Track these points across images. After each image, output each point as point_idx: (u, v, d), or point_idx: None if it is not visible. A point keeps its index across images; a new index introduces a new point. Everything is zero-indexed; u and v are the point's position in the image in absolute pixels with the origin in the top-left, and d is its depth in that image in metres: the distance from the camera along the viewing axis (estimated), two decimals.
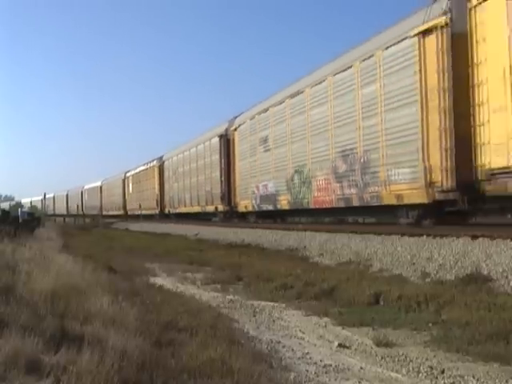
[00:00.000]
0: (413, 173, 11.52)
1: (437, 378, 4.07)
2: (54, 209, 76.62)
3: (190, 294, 7.96)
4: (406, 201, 11.85)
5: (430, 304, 6.26)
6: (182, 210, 30.06)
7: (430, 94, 10.93)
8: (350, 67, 13.92)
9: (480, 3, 9.71)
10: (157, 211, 34.24)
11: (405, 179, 11.83)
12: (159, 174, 34.52)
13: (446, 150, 10.46)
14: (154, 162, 35.94)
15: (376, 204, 13.03)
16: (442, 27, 10.65)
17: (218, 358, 4.03)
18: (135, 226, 33.68)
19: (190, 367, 3.85)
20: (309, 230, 15.25)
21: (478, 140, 9.82)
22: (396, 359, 4.59)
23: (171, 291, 8.19)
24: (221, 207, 24.19)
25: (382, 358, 4.66)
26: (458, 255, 8.52)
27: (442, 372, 4.16)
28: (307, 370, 4.31)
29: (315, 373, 4.26)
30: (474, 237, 9.20)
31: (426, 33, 11.06)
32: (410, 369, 4.31)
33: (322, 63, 16.20)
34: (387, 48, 12.48)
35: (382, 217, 14.56)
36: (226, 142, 23.66)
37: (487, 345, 4.66)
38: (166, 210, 33.51)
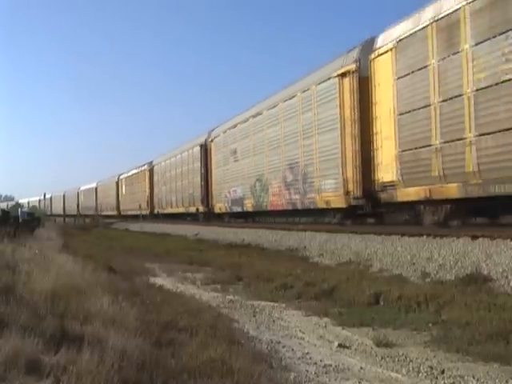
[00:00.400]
0: (336, 183, 14.55)
1: (437, 378, 4.07)
2: (51, 209, 76.91)
3: (190, 294, 7.95)
4: (333, 205, 14.93)
5: (430, 304, 6.26)
6: (169, 210, 32.96)
7: (346, 123, 13.96)
8: (294, 96, 17.17)
9: (377, 56, 12.85)
10: (147, 212, 37.14)
11: (331, 188, 14.85)
12: (149, 178, 37.39)
13: (356, 167, 13.52)
14: (145, 166, 38.85)
15: (313, 207, 16.24)
16: (353, 72, 13.67)
17: (218, 358, 4.03)
18: (135, 226, 33.67)
19: (190, 367, 3.85)
20: (309, 230, 15.25)
21: (375, 160, 12.96)
22: (396, 359, 4.59)
23: (171, 291, 8.19)
24: (201, 208, 27.12)
25: (382, 358, 4.66)
26: (458, 255, 8.52)
27: (442, 372, 4.16)
28: (307, 370, 4.31)
29: (315, 373, 4.26)
30: (474, 237, 9.20)
31: (343, 75, 14.12)
32: (410, 369, 4.31)
33: (275, 90, 19.74)
34: (319, 84, 15.55)
35: (317, 218, 17.82)
36: (205, 151, 26.63)
37: (487, 345, 4.65)
38: (155, 211, 36.31)
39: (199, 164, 27.15)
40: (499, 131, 9.13)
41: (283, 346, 5.06)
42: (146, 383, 3.48)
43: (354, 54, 13.90)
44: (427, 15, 11.14)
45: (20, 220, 20.01)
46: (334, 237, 13.03)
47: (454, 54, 10.18)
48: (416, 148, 11.44)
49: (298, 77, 17.81)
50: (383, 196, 12.68)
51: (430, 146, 10.99)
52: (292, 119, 17.25)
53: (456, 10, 10.10)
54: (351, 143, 13.62)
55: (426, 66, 11.09)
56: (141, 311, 5.76)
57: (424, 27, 11.11)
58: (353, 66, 13.68)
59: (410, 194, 11.71)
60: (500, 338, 4.74)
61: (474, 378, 4.01)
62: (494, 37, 9.21)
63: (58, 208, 73.45)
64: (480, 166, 9.61)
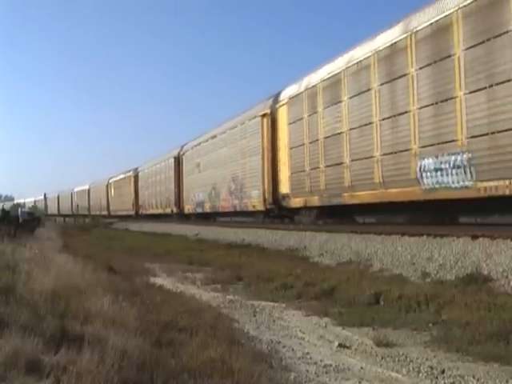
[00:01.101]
0: (259, 193, 19.98)
1: (437, 378, 4.07)
2: (46, 209, 77.58)
3: (190, 294, 7.95)
4: (257, 208, 20.46)
5: (430, 304, 6.25)
6: (150, 211, 38.05)
7: (264, 151, 19.57)
8: (236, 127, 22.88)
9: (279, 107, 18.65)
10: (133, 212, 41.94)
11: (256, 196, 20.32)
12: (134, 183, 42.10)
13: (269, 182, 19.17)
14: (131, 172, 43.71)
15: (245, 210, 21.86)
16: (268, 115, 19.41)
17: (218, 358, 4.03)
18: (135, 226, 33.72)
19: (190, 367, 3.85)
20: (309, 230, 15.25)
21: (278, 178, 18.68)
22: (396, 359, 4.59)
23: (171, 291, 8.19)
24: (174, 210, 32.52)
25: (382, 358, 4.65)
26: (458, 255, 8.52)
27: (442, 372, 4.16)
28: (307, 370, 4.31)
29: (315, 373, 4.25)
30: (474, 237, 9.19)
31: (263, 116, 19.77)
32: (411, 369, 4.31)
33: (228, 118, 25.29)
34: (250, 120, 21.15)
35: (249, 217, 22.96)
36: (178, 163, 32.28)
37: (487, 345, 4.65)
38: (140, 212, 41.05)
39: (173, 173, 32.74)
40: (332, 165, 14.87)
41: (283, 346, 5.06)
42: (146, 383, 3.48)
43: (270, 102, 19.73)
44: (303, 84, 16.85)
45: (20, 220, 20.00)
46: (334, 237, 13.02)
47: (314, 113, 15.85)
48: (298, 172, 16.91)
49: (240, 111, 23.65)
50: (283, 203, 18.40)
51: (304, 171, 16.48)
52: (234, 144, 22.84)
53: (314, 85, 15.87)
54: (267, 165, 19.41)
55: (301, 119, 16.75)
56: (141, 311, 5.76)
57: (300, 92, 16.96)
58: (268, 111, 19.47)
59: (296, 202, 17.33)
60: (500, 338, 4.74)
61: (474, 377, 4.01)
62: (327, 107, 15.08)
63: (52, 208, 75.77)
64: (326, 186, 15.21)
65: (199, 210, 27.91)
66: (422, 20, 11.23)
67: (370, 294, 6.98)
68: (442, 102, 10.58)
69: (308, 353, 4.84)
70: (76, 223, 42.45)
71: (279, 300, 7.44)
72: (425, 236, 10.36)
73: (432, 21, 10.88)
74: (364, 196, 13.45)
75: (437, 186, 10.86)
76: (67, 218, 53.00)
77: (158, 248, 16.71)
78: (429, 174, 11.08)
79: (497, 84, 9.21)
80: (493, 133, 9.36)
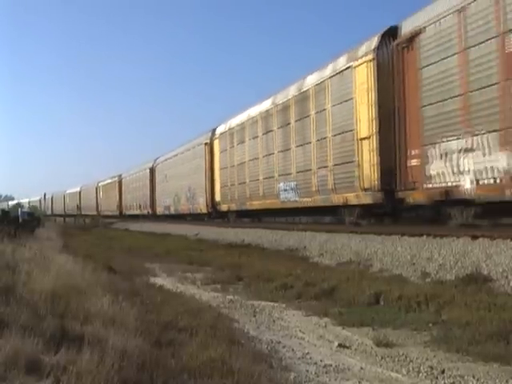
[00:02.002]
0: (203, 200, 27.11)
1: (437, 378, 4.07)
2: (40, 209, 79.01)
3: (190, 294, 7.95)
4: (203, 211, 27.45)
5: (430, 304, 6.25)
6: (131, 212, 44.25)
7: (207, 170, 26.41)
8: (189, 150, 30.02)
9: (214, 139, 25.67)
10: (117, 213, 47.76)
11: (203, 202, 27.30)
12: (119, 187, 48.27)
13: (209, 192, 26.25)
14: (116, 178, 49.73)
15: (197, 212, 28.66)
16: (208, 144, 26.50)
17: (218, 358, 4.03)
18: (135, 226, 33.75)
19: (190, 367, 3.85)
20: (309, 230, 15.25)
21: (214, 190, 25.70)
22: (396, 359, 4.59)
23: (171, 291, 8.19)
24: (150, 211, 39.06)
25: (382, 358, 4.65)
26: (458, 255, 8.52)
27: (442, 372, 4.16)
28: (307, 370, 4.31)
29: (315, 373, 4.25)
30: (474, 237, 9.19)
31: (206, 144, 26.85)
32: (410, 369, 4.31)
33: (185, 141, 32.48)
34: (198, 145, 28.20)
35: (197, 218, 29.14)
36: (152, 173, 38.68)
37: (487, 345, 4.65)
38: (123, 213, 46.72)
39: (148, 181, 39.16)
40: (240, 183, 22.21)
41: (283, 346, 5.06)
42: (146, 383, 3.48)
43: (209, 134, 26.76)
44: (227, 126, 24.13)
45: (20, 220, 20.01)
46: (334, 237, 13.02)
47: (232, 147, 23.04)
48: (224, 186, 24.21)
49: (193, 136, 30.63)
50: (217, 208, 25.47)
51: (227, 186, 23.74)
52: (189, 162, 29.79)
53: (232, 128, 23.31)
54: (207, 180, 26.53)
55: (226, 149, 24.03)
56: (141, 311, 5.75)
57: (225, 131, 24.37)
58: (208, 141, 26.64)
59: (224, 207, 24.49)
60: (500, 338, 4.74)
61: (474, 377, 4.01)
62: (238, 144, 22.46)
63: (47, 208, 79.26)
64: (238, 196, 22.21)
65: (166, 212, 35.09)
66: (279, 98, 18.86)
67: (369, 294, 6.97)
68: (286, 150, 17.98)
69: (308, 353, 4.84)
70: (76, 223, 43.09)
71: (279, 300, 7.44)
72: (425, 236, 10.36)
73: (282, 100, 18.43)
74: (255, 204, 20.77)
75: (285, 199, 18.03)
76: (67, 218, 55.86)
77: (157, 248, 16.72)
78: (281, 192, 18.29)
79: (306, 143, 16.53)
80: (304, 171, 16.64)
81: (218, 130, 25.43)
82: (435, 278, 7.97)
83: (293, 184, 17.32)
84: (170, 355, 4.15)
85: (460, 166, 10.20)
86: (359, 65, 13.52)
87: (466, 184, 10.04)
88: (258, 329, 5.82)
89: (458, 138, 10.21)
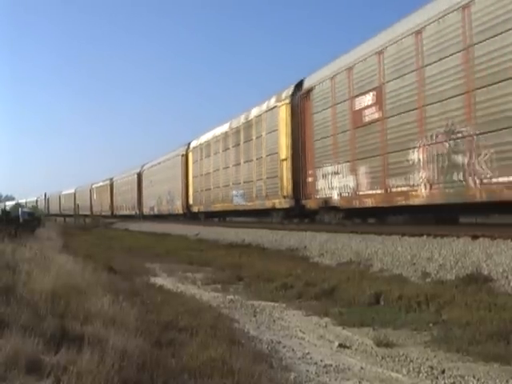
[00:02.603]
0: (181, 202, 31.72)
1: (437, 378, 4.07)
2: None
3: (190, 294, 7.95)
4: (179, 212, 32.14)
5: (431, 304, 6.25)
6: (122, 212, 48.12)
7: (182, 177, 31.54)
8: (169, 160, 34.78)
9: (189, 152, 31.30)
10: (109, 213, 51.62)
11: (179, 204, 32.09)
12: (110, 190, 52.45)
13: (184, 196, 31.25)
14: (108, 181, 53.82)
15: (175, 213, 33.12)
16: (183, 155, 31.73)
17: (219, 358, 4.03)
18: (135, 226, 33.76)
19: (191, 367, 3.84)
20: (309, 230, 15.26)
21: (188, 194, 30.89)
22: (396, 359, 4.58)
23: (171, 291, 8.19)
24: (138, 211, 42.99)
25: (382, 358, 4.65)
26: (458, 255, 8.51)
27: (443, 372, 4.16)
28: (308, 370, 4.31)
29: (316, 373, 4.25)
30: (475, 237, 9.19)
31: (183, 155, 31.87)
32: (411, 369, 4.31)
33: (159, 155, 38.90)
34: (177, 156, 32.95)
35: (174, 218, 33.47)
36: (139, 178, 43.10)
37: (488, 345, 4.65)
38: (114, 213, 50.73)
39: (136, 185, 43.57)
40: (207, 189, 27.62)
41: (284, 346, 5.06)
42: (146, 383, 3.48)
43: (185, 147, 31.84)
44: (198, 142, 29.48)
45: (20, 220, 20.02)
46: (335, 237, 13.02)
47: (201, 159, 28.70)
48: (195, 191, 29.47)
49: (174, 147, 35.18)
50: (190, 209, 30.54)
51: (197, 191, 29.06)
52: (169, 170, 34.49)
53: (202, 143, 28.85)
54: (183, 186, 31.48)
55: (197, 161, 29.39)
56: (141, 311, 5.75)
57: (196, 146, 29.84)
58: (184, 153, 31.70)
59: (195, 208, 29.51)
60: (500, 337, 4.73)
61: (474, 377, 4.01)
62: (206, 157, 28.08)
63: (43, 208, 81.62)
64: (205, 200, 27.89)
65: (151, 213, 39.69)
66: (234, 123, 24.02)
67: (370, 294, 6.97)
68: (237, 165, 23.04)
69: (308, 353, 4.84)
70: (76, 223, 43.41)
71: (279, 300, 7.44)
72: (425, 236, 10.37)
73: (236, 125, 23.61)
74: (217, 206, 25.85)
75: (237, 203, 22.98)
76: (67, 218, 56.28)
77: (158, 248, 16.71)
78: (234, 197, 23.26)
79: (250, 160, 21.63)
80: (248, 181, 21.75)
81: (192, 144, 31.01)
82: (435, 277, 7.97)
83: (241, 191, 22.71)
84: (171, 355, 4.15)
85: (332, 183, 15.30)
86: (281, 105, 18.83)
87: (335, 196, 15.16)
88: (258, 329, 5.82)
89: (331, 165, 15.36)
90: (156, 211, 38.06)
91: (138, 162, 47.16)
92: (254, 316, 6.51)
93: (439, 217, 13.10)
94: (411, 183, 11.73)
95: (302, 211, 17.66)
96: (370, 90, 13.26)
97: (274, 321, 6.24)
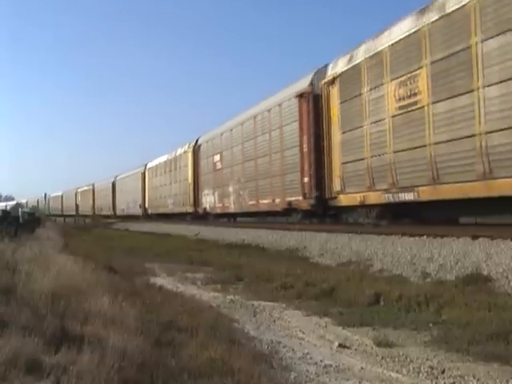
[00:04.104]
0: (138, 206, 42.05)
1: (437, 378, 4.06)
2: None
3: (190, 294, 7.95)
4: (140, 213, 41.72)
5: (431, 304, 6.25)
6: (101, 213, 54.46)
7: (142, 189, 41.61)
8: (134, 174, 44.20)
9: (146, 170, 41.44)
10: (91, 213, 58.30)
11: (139, 208, 41.88)
12: (93, 194, 60.51)
13: (143, 202, 41.74)
14: (90, 186, 61.91)
15: (137, 214, 42.24)
16: (142, 173, 41.78)
17: (219, 358, 4.03)
18: (135, 226, 33.77)
19: (191, 367, 3.84)
20: (309, 230, 15.25)
21: (145, 201, 41.97)
22: (396, 359, 4.58)
23: (171, 291, 8.18)
24: (112, 212, 51.08)
25: (382, 358, 4.65)
26: (458, 255, 8.52)
27: (443, 372, 4.16)
28: (307, 370, 4.31)
29: (316, 373, 4.25)
30: (475, 237, 9.20)
31: (142, 173, 41.77)
32: (411, 369, 4.31)
33: (133, 167, 46.76)
34: (137, 173, 42.97)
35: (137, 217, 41.27)
36: (113, 185, 51.29)
37: (488, 345, 4.65)
38: (95, 213, 57.17)
39: (111, 192, 52.01)
40: (160, 197, 38.09)
41: (283, 346, 5.06)
42: (146, 383, 3.48)
43: (144, 167, 41.71)
44: (154, 162, 40.03)
45: (20, 220, 20.02)
46: (335, 237, 13.02)
47: (156, 176, 39.08)
48: (151, 199, 39.91)
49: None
50: (147, 211, 40.72)
51: (154, 199, 38.90)
52: (134, 183, 43.63)
53: (156, 165, 39.27)
54: (143, 195, 41.33)
55: (151, 178, 40.08)
56: (141, 311, 5.75)
57: (150, 167, 40.71)
58: (143, 171, 41.74)
59: (149, 210, 40.29)
60: (500, 337, 4.73)
61: (474, 377, 4.01)
62: (162, 174, 37.97)
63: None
64: (158, 205, 39.02)
65: (122, 213, 47.55)
66: (169, 157, 35.49)
67: (370, 294, 6.96)
68: (170, 184, 34.88)
69: (308, 353, 4.84)
70: (76, 223, 43.92)
71: (279, 300, 7.44)
72: (425, 236, 10.37)
73: (169, 158, 35.28)
74: (160, 209, 36.71)
75: (170, 208, 34.29)
76: (67, 219, 59.34)
77: (158, 248, 16.71)
78: (170, 204, 34.48)
79: (175, 182, 33.94)
80: (175, 195, 33.89)
81: (148, 166, 41.13)
82: (435, 278, 7.97)
83: (172, 201, 34.59)
84: (170, 355, 4.15)
85: (207, 199, 28.45)
86: (188, 152, 31.74)
87: (210, 206, 27.68)
88: (258, 329, 5.82)
89: (208, 190, 28.45)
90: (125, 212, 47.15)
91: (135, 163, 52.57)
92: (254, 316, 6.51)
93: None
94: (228, 202, 24.85)
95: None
96: (219, 152, 26.27)
97: (274, 321, 6.24)
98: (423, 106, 11.48)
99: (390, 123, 12.64)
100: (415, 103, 11.74)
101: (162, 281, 9.53)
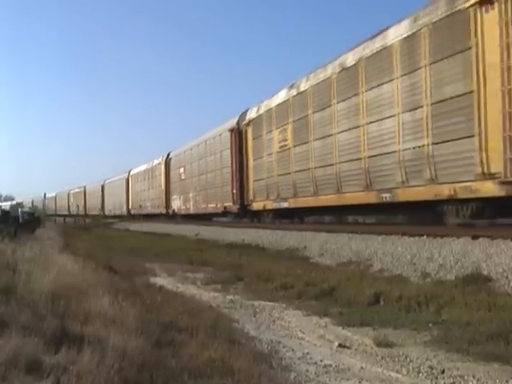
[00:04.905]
0: (126, 207, 49.13)
1: (437, 378, 4.07)
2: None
3: (190, 294, 7.95)
4: (125, 213, 47.82)
5: (431, 304, 6.25)
6: (92, 213, 58.36)
7: (126, 193, 48.60)
8: (119, 180, 51.01)
9: (129, 177, 48.21)
10: (83, 213, 62.10)
11: (125, 209, 49.06)
12: (84, 195, 65.99)
13: (127, 204, 48.43)
14: (82, 188, 67.39)
15: (123, 214, 48.14)
16: (126, 179, 49.03)
17: (219, 358, 4.03)
18: (135, 226, 33.77)
19: (191, 367, 3.85)
20: (309, 230, 15.26)
21: (129, 203, 48.91)
22: (396, 359, 4.58)
23: (171, 291, 8.19)
24: (101, 213, 55.50)
25: (382, 358, 4.65)
26: (458, 255, 8.52)
27: (443, 372, 4.16)
28: (307, 370, 4.31)
29: (315, 373, 4.25)
30: (475, 237, 9.20)
31: (126, 179, 48.71)
32: (411, 369, 4.31)
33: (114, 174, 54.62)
34: (122, 179, 49.94)
35: (123, 217, 46.87)
36: (102, 189, 56.87)
37: (487, 345, 4.65)
38: (87, 213, 61.35)
39: (100, 194, 57.69)
40: (139, 200, 45.19)
41: (283, 346, 5.06)
42: (146, 383, 3.48)
43: (127, 173, 48.30)
44: (136, 169, 46.47)
45: (20, 220, 20.01)
46: (335, 237, 13.03)
47: (138, 182, 45.17)
48: (134, 201, 46.36)
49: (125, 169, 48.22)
50: (130, 212, 46.89)
51: (136, 201, 45.32)
52: (119, 188, 49.77)
53: (138, 172, 45.79)
54: (127, 198, 47.89)
55: (134, 184, 46.50)
56: (141, 311, 5.75)
57: (133, 174, 46.60)
58: (126, 177, 48.44)
59: (133, 211, 46.14)
60: (500, 337, 4.73)
61: (474, 377, 4.01)
62: (139, 182, 45.76)
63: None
64: (141, 207, 45.36)
65: (110, 214, 52.32)
66: (148, 166, 42.40)
67: (370, 294, 6.96)
68: (148, 190, 41.80)
69: (308, 353, 4.84)
70: (76, 223, 44.04)
71: (279, 300, 7.44)
72: (425, 236, 10.38)
73: (147, 167, 42.40)
74: (141, 211, 42.66)
75: (148, 210, 41.13)
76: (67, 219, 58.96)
77: (158, 248, 16.71)
78: (149, 206, 41.18)
79: (152, 188, 40.80)
80: (151, 199, 41.27)
81: (131, 172, 46.81)
82: (435, 277, 7.97)
83: (150, 204, 41.29)
84: (170, 355, 4.15)
85: (176, 203, 35.57)
86: (160, 164, 39.13)
87: (177, 207, 35.00)
88: (258, 329, 5.82)
89: (176, 195, 35.71)
90: (113, 213, 51.98)
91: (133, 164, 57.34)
92: (254, 316, 6.51)
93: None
94: (189, 205, 31.45)
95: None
96: (183, 166, 33.36)
97: (274, 321, 6.24)
98: (289, 148, 18.22)
99: (275, 156, 19.41)
100: (286, 145, 18.52)
101: (163, 281, 9.53)
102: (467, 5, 10.06)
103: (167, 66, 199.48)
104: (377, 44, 13.13)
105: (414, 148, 11.80)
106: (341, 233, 13.33)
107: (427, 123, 11.31)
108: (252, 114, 21.91)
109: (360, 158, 13.80)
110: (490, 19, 9.65)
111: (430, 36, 11.16)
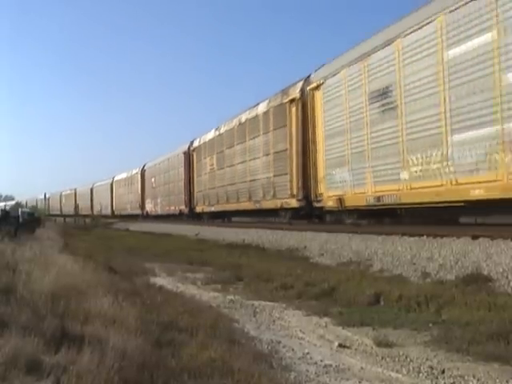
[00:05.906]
0: (110, 209, 55.97)
1: (437, 377, 4.07)
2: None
3: (190, 294, 7.95)
4: (110, 214, 54.20)
5: (431, 304, 6.25)
6: (83, 213, 62.71)
7: (110, 196, 55.37)
8: (105, 185, 57.91)
9: (113, 183, 54.89)
10: (74, 213, 67.23)
11: (109, 209, 55.59)
12: (75, 196, 71.29)
13: (111, 206, 56.29)
14: (73, 190, 72.53)
15: (108, 214, 54.03)
16: (111, 184, 55.22)
17: (219, 358, 4.03)
18: (135, 226, 33.78)
19: (191, 367, 3.84)
20: (309, 230, 15.26)
21: (113, 205, 56.63)
22: (396, 359, 4.58)
23: (171, 291, 8.19)
24: (91, 212, 59.62)
25: (382, 358, 4.65)
26: (458, 255, 8.52)
27: (443, 372, 4.16)
28: (307, 370, 4.31)
29: (315, 373, 4.25)
30: (475, 237, 9.20)
31: (110, 184, 55.21)
32: (411, 369, 4.31)
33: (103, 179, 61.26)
34: (107, 184, 56.67)
35: (109, 216, 53.04)
36: (91, 191, 63.21)
37: (488, 345, 4.65)
38: (77, 213, 66.07)
39: (89, 196, 63.66)
40: (122, 203, 52.78)
41: (283, 346, 5.06)
42: (146, 383, 3.48)
43: (111, 180, 55.73)
44: (118, 176, 53.82)
45: (20, 220, 20.01)
46: (335, 237, 13.03)
47: (121, 187, 51.90)
48: (117, 204, 53.45)
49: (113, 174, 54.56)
50: (114, 213, 53.00)
51: (119, 203, 52.20)
52: (105, 192, 56.86)
53: (119, 180, 52.87)
54: (111, 201, 55.00)
55: (117, 189, 53.51)
56: (141, 311, 5.75)
57: (117, 180, 53.44)
58: (111, 182, 55.35)
59: (116, 212, 53.08)
60: (500, 337, 4.73)
61: (474, 377, 4.01)
62: (122, 187, 52.73)
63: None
64: (124, 207, 52.28)
65: (97, 214, 55.21)
66: (130, 173, 49.27)
67: (370, 294, 6.96)
68: (129, 194, 48.37)
69: (308, 353, 4.84)
70: (76, 223, 44.03)
71: (279, 300, 7.44)
72: (425, 236, 10.37)
73: (131, 174, 48.68)
74: (123, 212, 49.55)
75: (130, 211, 47.65)
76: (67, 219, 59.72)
77: (158, 248, 16.71)
78: (128, 208, 48.36)
79: (132, 193, 47.48)
80: (133, 202, 47.31)
81: (115, 178, 53.33)
82: (435, 277, 7.97)
83: (128, 205, 48.00)
84: (170, 355, 4.14)
85: (150, 203, 44.04)
86: (137, 174, 46.74)
87: (151, 208, 44.24)
88: (258, 329, 5.82)
89: (159, 197, 41.42)
90: (100, 213, 56.04)
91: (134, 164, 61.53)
92: (254, 316, 6.51)
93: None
94: (157, 208, 40.29)
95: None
96: (154, 176, 40.84)
97: (274, 321, 6.24)
98: (214, 171, 27.06)
99: (207, 175, 28.36)
100: (212, 169, 27.39)
101: (162, 281, 9.53)
102: (285, 101, 18.57)
103: (167, 66, 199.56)
104: (253, 112, 21.92)
105: (267, 177, 20.28)
106: (341, 233, 13.33)
107: (272, 163, 19.77)
108: (195, 144, 31.30)
109: (246, 181, 22.45)
110: (294, 111, 17.92)
111: (273, 114, 19.65)
